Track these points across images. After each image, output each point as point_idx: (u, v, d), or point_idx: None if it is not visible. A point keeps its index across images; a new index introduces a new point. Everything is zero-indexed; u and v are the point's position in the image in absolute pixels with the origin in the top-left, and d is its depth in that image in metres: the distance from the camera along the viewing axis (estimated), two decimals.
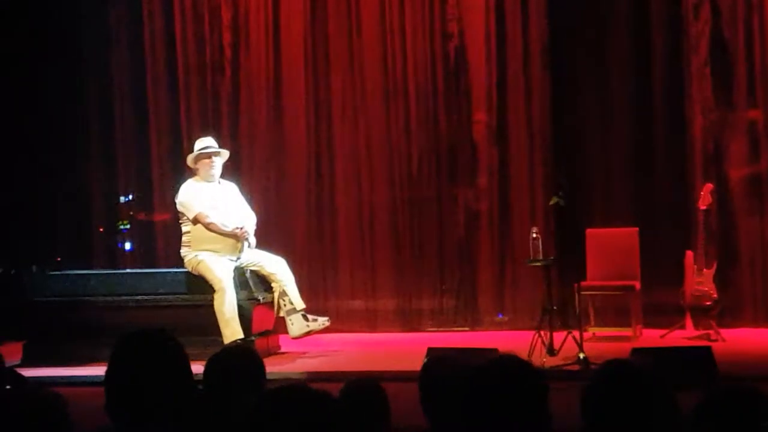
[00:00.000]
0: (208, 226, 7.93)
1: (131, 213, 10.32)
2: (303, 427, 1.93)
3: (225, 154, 8.18)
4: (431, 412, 3.18)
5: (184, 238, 8.08)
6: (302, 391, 2.01)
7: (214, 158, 8.05)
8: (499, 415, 2.44)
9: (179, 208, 8.09)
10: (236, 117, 9.90)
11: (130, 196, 10.28)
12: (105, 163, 10.18)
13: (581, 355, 6.97)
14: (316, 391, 2.02)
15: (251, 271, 8.12)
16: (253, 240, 8.07)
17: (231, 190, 8.22)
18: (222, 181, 8.18)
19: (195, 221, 7.97)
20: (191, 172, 8.20)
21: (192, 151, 8.17)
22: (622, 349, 6.87)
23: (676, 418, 2.56)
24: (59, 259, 9.66)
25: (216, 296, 7.76)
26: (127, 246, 10.25)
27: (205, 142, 8.13)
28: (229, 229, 7.95)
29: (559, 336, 7.37)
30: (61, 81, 9.91)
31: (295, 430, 1.92)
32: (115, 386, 2.46)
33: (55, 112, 9.93)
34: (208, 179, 8.04)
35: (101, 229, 10.30)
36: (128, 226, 10.29)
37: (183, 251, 8.08)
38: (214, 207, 7.99)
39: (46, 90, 9.86)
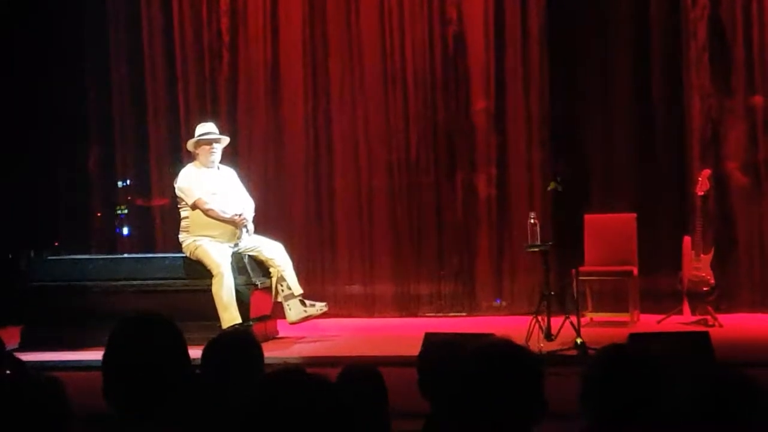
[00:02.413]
0: (207, 212, 7.93)
1: (129, 198, 10.31)
2: (300, 412, 1.93)
3: (225, 140, 8.17)
4: (430, 396, 3.19)
5: (182, 224, 8.08)
6: (299, 376, 2.01)
7: (214, 145, 8.04)
8: (494, 399, 2.45)
9: (178, 193, 8.08)
10: (234, 102, 9.88)
11: (128, 181, 10.27)
12: (103, 148, 10.16)
13: (578, 341, 6.98)
14: (313, 375, 2.03)
15: (249, 256, 8.12)
16: (251, 227, 8.08)
17: (230, 175, 8.22)
18: (221, 166, 8.17)
19: (194, 207, 7.96)
20: (190, 157, 8.20)
21: (192, 136, 8.16)
22: (620, 335, 6.85)
23: (673, 403, 2.57)
24: (57, 243, 9.66)
25: (214, 281, 7.76)
26: (125, 231, 10.24)
27: (206, 128, 8.12)
28: (228, 215, 7.95)
29: (556, 321, 7.38)
30: (60, 67, 9.89)
31: (293, 415, 1.93)
32: (112, 371, 2.46)
33: (54, 97, 9.91)
34: (208, 165, 8.04)
35: (99, 214, 10.30)
36: (126, 211, 10.28)
37: (181, 236, 8.08)
38: (213, 193, 7.98)
39: (44, 76, 9.83)
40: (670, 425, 2.57)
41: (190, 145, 8.13)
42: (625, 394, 2.58)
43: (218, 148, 8.06)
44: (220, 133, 8.17)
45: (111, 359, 2.46)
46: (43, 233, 9.72)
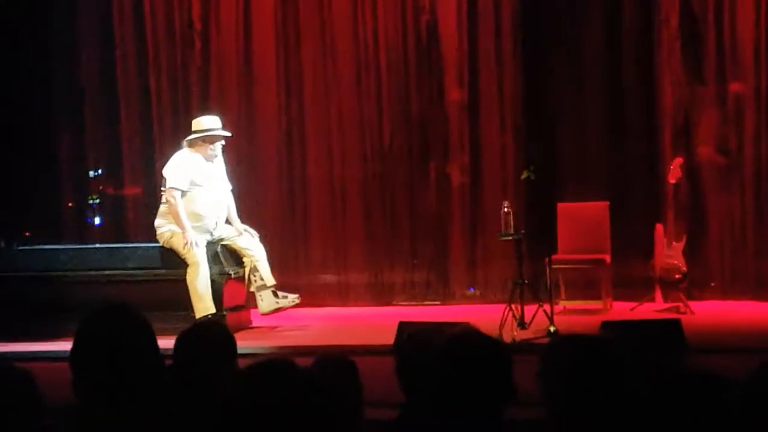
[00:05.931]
0: (170, 207, 7.80)
1: (101, 187, 10.23)
2: (278, 401, 1.92)
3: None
4: (406, 385, 3.18)
5: (161, 209, 7.95)
6: (278, 365, 2.00)
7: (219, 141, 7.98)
8: (466, 385, 2.47)
9: (164, 174, 7.97)
10: (206, 90, 9.82)
11: (100, 171, 10.19)
12: (74, 137, 10.08)
13: (552, 329, 7.01)
14: (289, 363, 2.02)
15: (223, 245, 8.08)
16: (253, 231, 8.11)
17: (219, 164, 8.12)
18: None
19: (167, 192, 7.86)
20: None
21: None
22: (593, 322, 6.89)
23: (640, 390, 2.56)
24: (28, 233, 9.57)
25: (189, 270, 7.71)
26: (97, 221, 10.17)
27: (214, 122, 8.03)
28: (186, 223, 7.81)
29: (530, 309, 7.41)
30: (29, 55, 9.78)
31: (270, 404, 1.92)
32: (80, 363, 2.44)
33: (24, 85, 9.81)
34: (210, 158, 7.95)
35: (70, 204, 10.22)
36: (98, 201, 10.21)
37: (158, 222, 7.95)
38: (200, 184, 7.88)
39: (14, 63, 9.74)
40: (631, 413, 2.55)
41: (194, 136, 7.96)
42: (584, 387, 2.56)
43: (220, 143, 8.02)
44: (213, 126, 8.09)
45: (79, 353, 2.45)
46: (14, 223, 9.63)
